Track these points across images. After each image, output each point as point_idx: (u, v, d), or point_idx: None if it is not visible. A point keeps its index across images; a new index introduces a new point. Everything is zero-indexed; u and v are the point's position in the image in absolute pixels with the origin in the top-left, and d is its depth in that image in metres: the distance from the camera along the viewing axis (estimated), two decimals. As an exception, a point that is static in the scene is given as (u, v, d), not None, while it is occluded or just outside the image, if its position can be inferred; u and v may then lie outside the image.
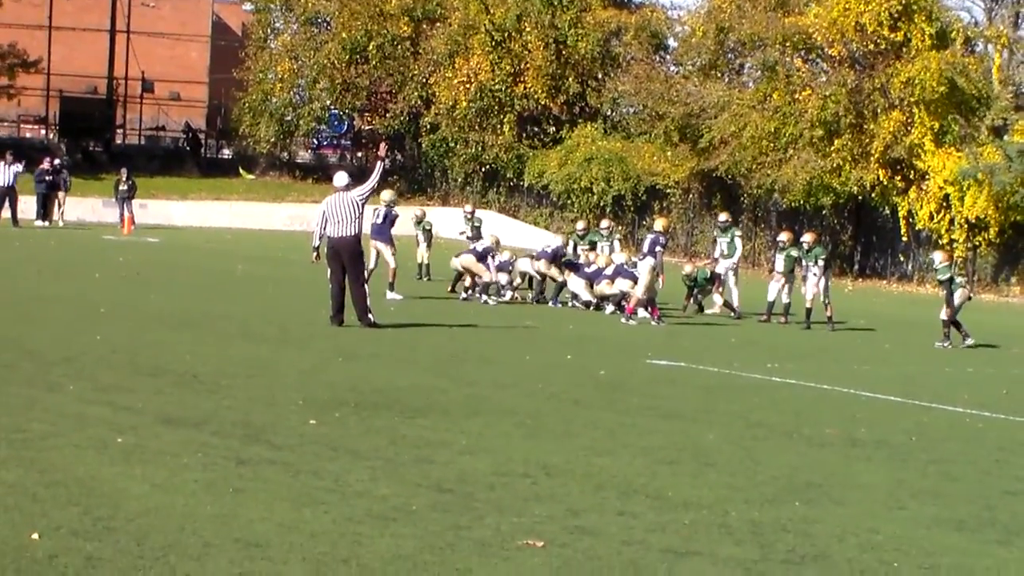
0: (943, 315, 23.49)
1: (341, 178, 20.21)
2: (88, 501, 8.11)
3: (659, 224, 25.27)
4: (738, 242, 27.95)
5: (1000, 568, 8.19)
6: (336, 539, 7.65)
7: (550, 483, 9.56)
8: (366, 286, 19.82)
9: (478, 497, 8.93)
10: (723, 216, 29.60)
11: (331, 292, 19.53)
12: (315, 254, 20.24)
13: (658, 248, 23.95)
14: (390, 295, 24.54)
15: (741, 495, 9.65)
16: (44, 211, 43.58)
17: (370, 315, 19.37)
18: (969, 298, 24.38)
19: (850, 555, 8.18)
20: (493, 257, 26.14)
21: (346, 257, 19.40)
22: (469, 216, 31.59)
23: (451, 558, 7.45)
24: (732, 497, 9.55)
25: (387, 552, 7.47)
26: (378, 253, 24.93)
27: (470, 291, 26.22)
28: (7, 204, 42.21)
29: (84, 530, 7.47)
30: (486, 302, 25.60)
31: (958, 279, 24.24)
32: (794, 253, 26.20)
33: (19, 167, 43.04)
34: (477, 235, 29.79)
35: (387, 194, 26.54)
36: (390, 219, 25.61)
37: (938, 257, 24.65)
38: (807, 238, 26.22)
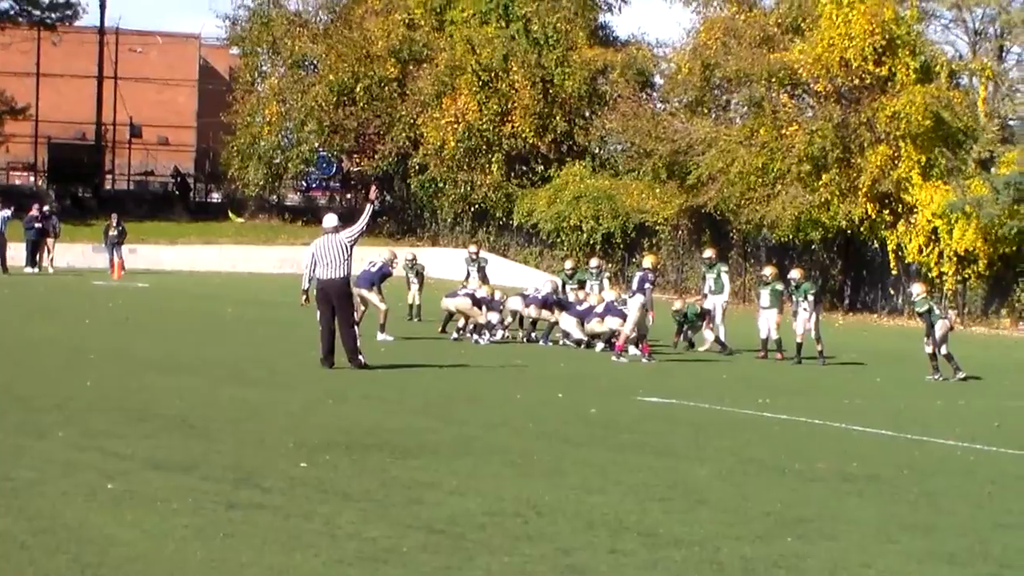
0: (927, 348, 23.51)
1: (330, 220, 20.22)
2: (77, 548, 8.07)
3: (647, 261, 25.30)
4: (725, 278, 27.86)
5: (993, 601, 8.18)
6: (326, 582, 7.62)
7: (541, 522, 9.54)
8: (356, 327, 19.80)
9: (469, 537, 8.90)
10: (708, 252, 29.53)
11: (321, 334, 19.51)
12: (304, 296, 20.25)
13: (647, 285, 23.98)
14: (381, 336, 24.51)
15: (733, 531, 9.62)
16: (33, 257, 43.56)
17: (360, 356, 19.34)
18: (951, 328, 24.33)
19: (842, 590, 8.17)
20: (489, 306, 26.14)
21: (335, 299, 19.39)
22: (474, 257, 31.15)
23: (442, 600, 7.42)
24: (724, 533, 9.53)
25: (378, 595, 7.44)
26: (363, 299, 24.68)
27: (462, 331, 26.22)
28: None
29: (73, 577, 7.44)
30: (477, 342, 25.60)
31: (937, 310, 24.22)
32: (779, 287, 26.21)
33: (8, 213, 43.07)
34: (483, 277, 29.61)
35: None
36: (382, 273, 25.53)
37: (916, 289, 24.68)
38: (795, 274, 26.24)
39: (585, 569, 8.25)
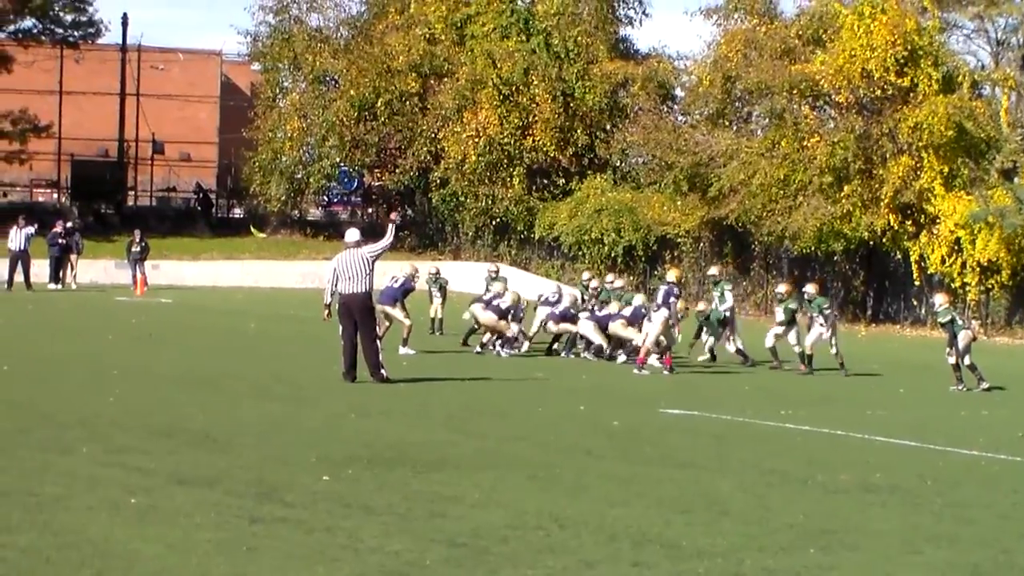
0: (950, 359, 23.46)
1: (352, 234, 20.24)
2: (101, 563, 8.11)
3: (671, 275, 25.28)
4: (728, 296, 27.60)
5: (1017, 611, 8.16)
6: (349, 596, 7.64)
7: (563, 535, 9.55)
8: (379, 341, 19.79)
9: (492, 551, 8.92)
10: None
11: (343, 349, 19.54)
12: (327, 311, 20.27)
13: (672, 299, 23.97)
14: (403, 350, 24.53)
15: (755, 543, 9.62)
16: (57, 274, 43.73)
17: (383, 370, 19.37)
18: (974, 339, 24.22)
19: (866, 601, 8.16)
20: (515, 316, 26.19)
21: (357, 313, 19.42)
22: (494, 275, 30.77)
23: (465, 612, 7.44)
24: (746, 545, 9.53)
25: (401, 608, 7.46)
26: (386, 315, 24.71)
27: (485, 345, 26.23)
28: (20, 267, 42.40)
29: (97, 592, 7.48)
30: (498, 354, 25.61)
31: (960, 321, 24.13)
32: (792, 305, 26.06)
33: (31, 231, 43.24)
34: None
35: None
36: (404, 288, 25.48)
37: (939, 299, 24.58)
38: (810, 289, 26.14)
39: (608, 581, 8.26)
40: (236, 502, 10.14)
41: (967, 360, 23.34)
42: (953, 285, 40.51)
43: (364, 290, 19.51)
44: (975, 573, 9.12)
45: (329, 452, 12.73)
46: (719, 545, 9.48)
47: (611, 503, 10.89)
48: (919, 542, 10.00)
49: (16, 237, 42.55)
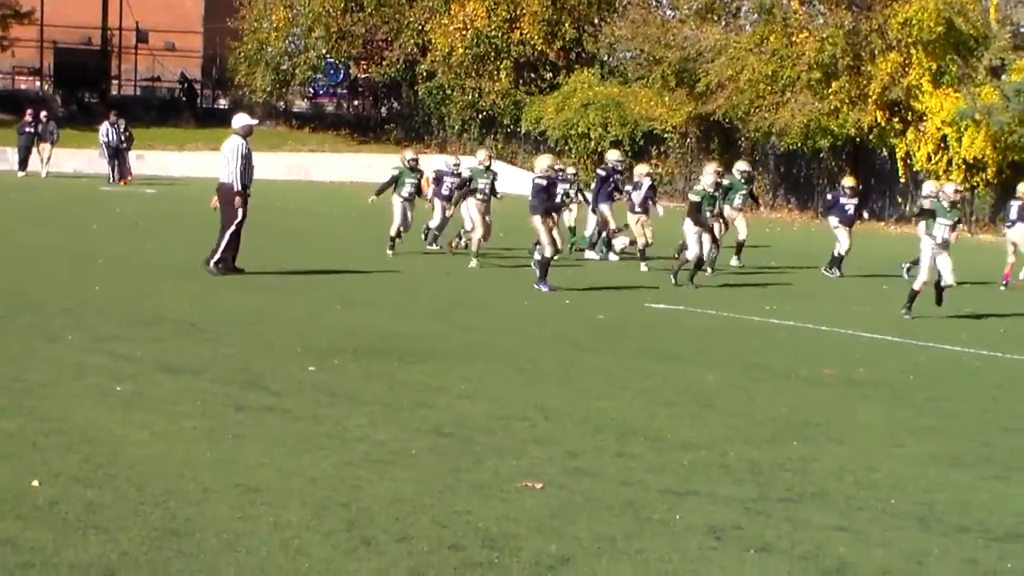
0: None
1: (238, 119, 19.87)
2: (88, 448, 8.14)
3: None
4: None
5: (998, 503, 8.24)
6: (335, 484, 7.68)
7: (548, 426, 9.60)
8: (228, 234, 18.74)
9: (477, 441, 8.96)
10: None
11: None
12: (214, 199, 19.70)
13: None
14: (612, 256, 24.45)
15: (740, 435, 9.69)
16: (25, 162, 43.30)
17: (217, 258, 18.59)
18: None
19: (848, 493, 8.22)
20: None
21: (219, 200, 19.17)
22: (413, 164, 24.87)
23: (450, 501, 7.48)
24: (731, 437, 9.59)
25: (386, 496, 7.50)
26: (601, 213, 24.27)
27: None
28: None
29: (84, 477, 7.51)
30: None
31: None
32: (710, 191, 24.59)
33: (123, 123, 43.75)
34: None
35: (613, 154, 26.01)
36: (614, 182, 24.53)
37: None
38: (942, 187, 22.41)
39: (593, 471, 8.31)
40: (222, 390, 10.16)
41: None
42: (939, 182, 40.47)
43: (227, 180, 19.09)
44: (957, 465, 9.20)
45: (315, 342, 12.75)
46: (703, 437, 9.54)
47: (596, 395, 10.94)
48: (902, 435, 10.08)
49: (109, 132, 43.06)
